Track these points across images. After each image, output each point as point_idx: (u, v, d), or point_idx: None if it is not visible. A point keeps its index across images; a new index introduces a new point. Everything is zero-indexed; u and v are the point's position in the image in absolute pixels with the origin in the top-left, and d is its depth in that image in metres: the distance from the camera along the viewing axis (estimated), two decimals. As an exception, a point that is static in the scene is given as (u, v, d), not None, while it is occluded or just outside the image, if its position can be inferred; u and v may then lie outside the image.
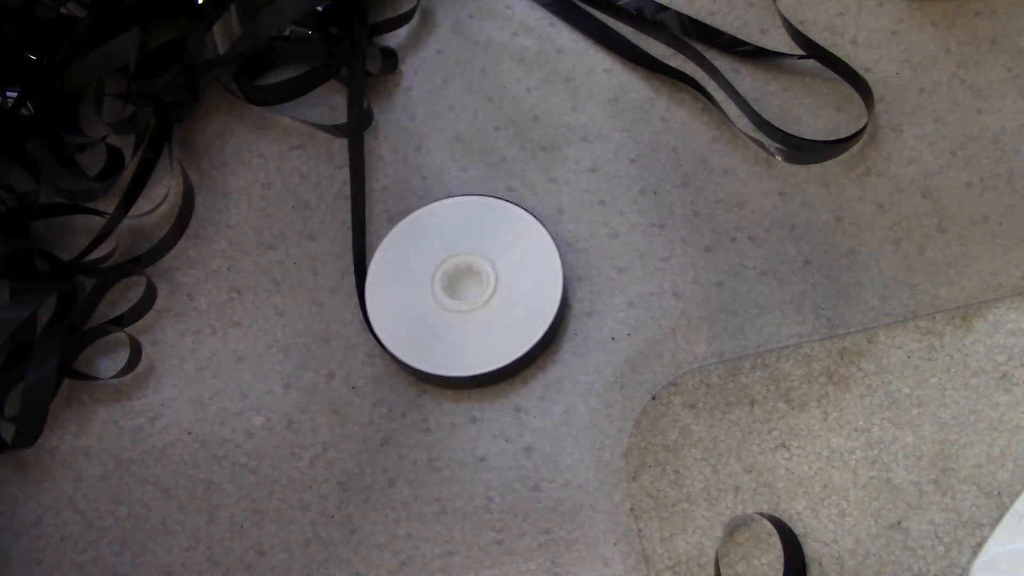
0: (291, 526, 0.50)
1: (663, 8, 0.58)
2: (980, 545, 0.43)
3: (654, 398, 0.49)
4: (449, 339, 0.50)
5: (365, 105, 0.57)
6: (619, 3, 0.59)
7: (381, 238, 0.53)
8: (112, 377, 0.53)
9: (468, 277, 0.52)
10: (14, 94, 0.57)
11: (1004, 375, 0.46)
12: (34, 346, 0.51)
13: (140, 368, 0.53)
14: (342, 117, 0.58)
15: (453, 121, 0.58)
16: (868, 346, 0.48)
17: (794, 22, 0.56)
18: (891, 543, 0.44)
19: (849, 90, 0.55)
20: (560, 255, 0.51)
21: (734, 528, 0.46)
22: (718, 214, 0.53)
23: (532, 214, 0.52)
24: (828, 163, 0.53)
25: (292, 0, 0.55)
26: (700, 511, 0.46)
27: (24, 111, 0.57)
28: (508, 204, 0.53)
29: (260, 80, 0.60)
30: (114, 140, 0.59)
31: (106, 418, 0.53)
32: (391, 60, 0.59)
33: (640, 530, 0.47)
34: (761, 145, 0.54)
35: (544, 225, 0.52)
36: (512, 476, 0.49)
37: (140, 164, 0.56)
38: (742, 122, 0.55)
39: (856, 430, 0.46)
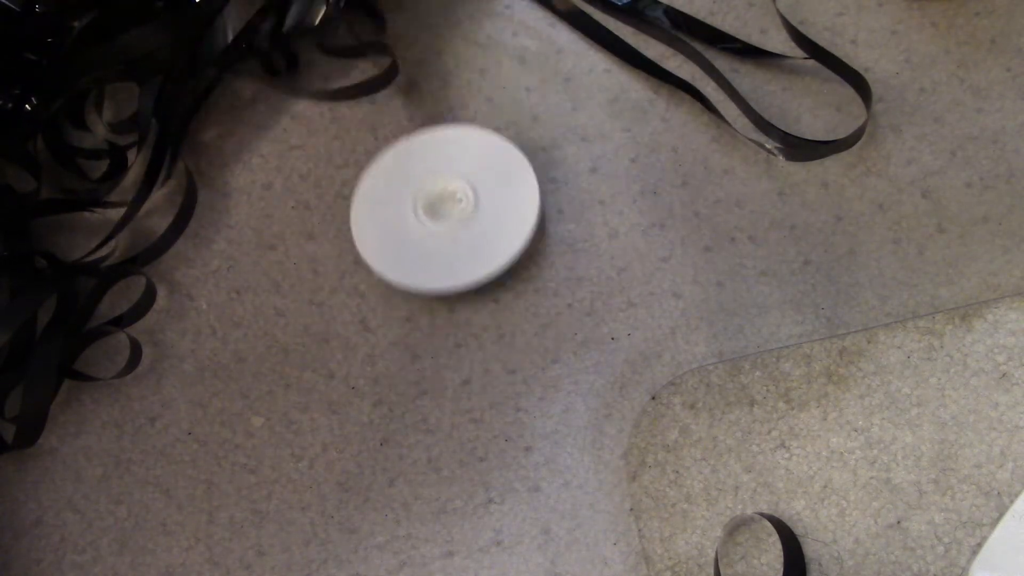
0: (291, 526, 0.50)
1: (664, 8, 0.58)
2: (980, 545, 0.43)
3: (654, 398, 0.49)
4: (433, 257, 0.52)
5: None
6: (620, 3, 0.59)
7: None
8: (112, 377, 0.53)
9: (448, 200, 0.54)
10: (14, 94, 0.57)
11: (1004, 375, 0.46)
12: (34, 346, 0.51)
13: (140, 368, 0.53)
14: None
15: (452, 121, 0.58)
16: (868, 346, 0.48)
17: (794, 22, 0.56)
18: (891, 543, 0.44)
19: (849, 90, 0.55)
20: (534, 171, 0.53)
21: (734, 528, 0.46)
22: (718, 214, 0.53)
23: (512, 143, 0.54)
24: (828, 163, 0.53)
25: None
26: (700, 511, 0.46)
27: (26, 109, 0.57)
28: (488, 132, 0.55)
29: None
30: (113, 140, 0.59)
31: (106, 418, 0.53)
32: (391, 71, 0.59)
33: (640, 530, 0.47)
34: (761, 145, 0.54)
35: (526, 155, 0.54)
36: (512, 476, 0.49)
37: (149, 164, 0.56)
38: (741, 122, 0.55)
39: (856, 430, 0.46)
